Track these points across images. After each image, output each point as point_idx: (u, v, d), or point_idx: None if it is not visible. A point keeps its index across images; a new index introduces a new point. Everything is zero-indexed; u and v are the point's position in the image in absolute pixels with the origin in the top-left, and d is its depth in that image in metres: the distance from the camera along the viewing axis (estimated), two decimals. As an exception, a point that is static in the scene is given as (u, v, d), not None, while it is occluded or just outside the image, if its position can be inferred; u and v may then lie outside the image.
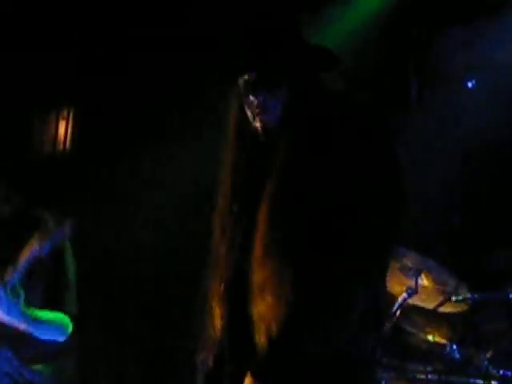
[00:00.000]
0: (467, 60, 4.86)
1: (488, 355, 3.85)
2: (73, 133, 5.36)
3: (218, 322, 2.49)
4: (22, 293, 3.46)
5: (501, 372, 3.74)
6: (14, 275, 3.41)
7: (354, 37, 4.44)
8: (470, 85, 4.58)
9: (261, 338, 2.31)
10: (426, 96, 4.91)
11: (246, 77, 2.38)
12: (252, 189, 2.45)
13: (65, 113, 5.37)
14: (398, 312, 3.90)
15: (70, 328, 3.63)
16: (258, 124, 2.37)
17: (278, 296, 2.30)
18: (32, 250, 3.43)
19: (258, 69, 2.37)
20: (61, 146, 5.34)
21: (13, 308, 3.43)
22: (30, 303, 3.53)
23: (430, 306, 4.04)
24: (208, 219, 2.60)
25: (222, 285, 2.47)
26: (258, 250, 2.35)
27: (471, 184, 4.69)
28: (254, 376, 2.29)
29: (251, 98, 2.37)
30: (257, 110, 2.37)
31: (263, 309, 2.33)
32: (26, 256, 3.41)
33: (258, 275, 2.34)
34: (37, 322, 3.54)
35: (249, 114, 2.41)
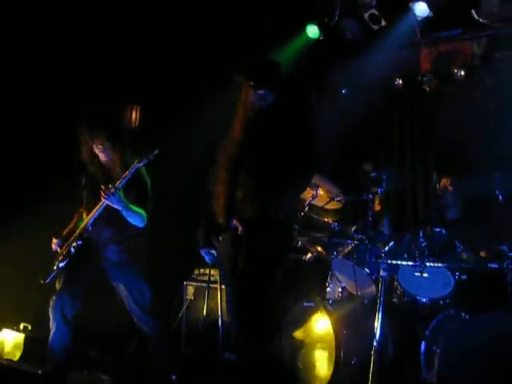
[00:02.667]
0: (345, 79, 6.24)
1: (353, 228, 5.47)
2: (140, 118, 6.82)
3: (221, 199, 3.70)
4: (122, 192, 4.46)
5: (359, 235, 5.28)
6: (120, 183, 4.45)
7: (286, 67, 4.98)
8: (343, 91, 5.81)
9: (252, 206, 3.53)
10: (320, 103, 6.17)
11: (255, 83, 3.50)
12: (250, 138, 3.61)
13: (135, 107, 6.84)
14: (307, 207, 5.40)
15: (146, 220, 4.66)
16: (257, 107, 3.51)
17: (260, 185, 3.58)
18: (131, 169, 4.36)
19: (269, 81, 3.59)
20: (133, 124, 6.83)
21: (120, 199, 4.45)
22: (127, 199, 4.54)
23: (324, 204, 5.50)
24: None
25: (227, 173, 3.69)
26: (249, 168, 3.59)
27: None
28: (248, 222, 3.55)
29: (260, 91, 3.53)
30: (260, 98, 3.53)
31: (251, 191, 3.52)
32: (128, 172, 4.44)
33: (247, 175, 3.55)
34: (130, 209, 4.58)
35: (254, 100, 3.53)
